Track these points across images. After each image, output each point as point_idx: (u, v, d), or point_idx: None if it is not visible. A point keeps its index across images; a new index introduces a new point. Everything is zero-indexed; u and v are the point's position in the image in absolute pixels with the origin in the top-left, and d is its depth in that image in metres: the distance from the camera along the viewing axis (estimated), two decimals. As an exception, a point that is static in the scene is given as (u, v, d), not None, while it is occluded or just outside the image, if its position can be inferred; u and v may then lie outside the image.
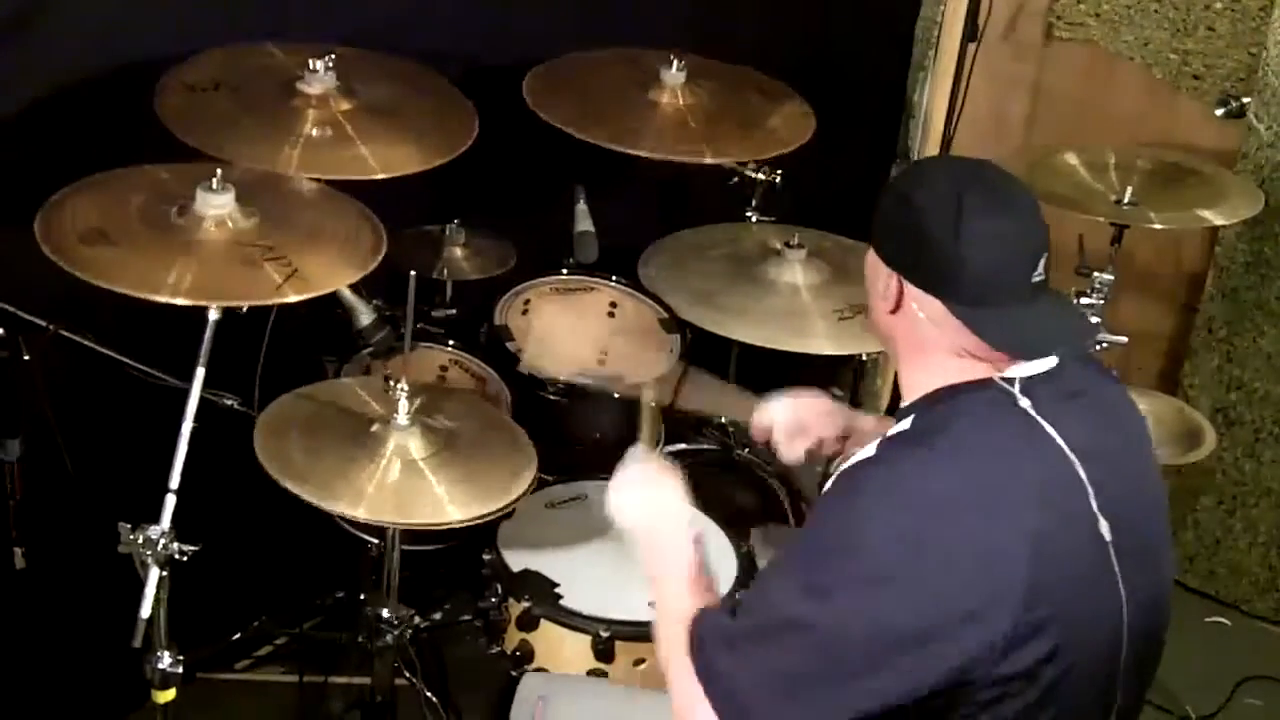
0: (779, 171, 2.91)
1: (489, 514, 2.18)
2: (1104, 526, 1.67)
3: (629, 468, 1.96)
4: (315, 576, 2.78)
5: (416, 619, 2.39)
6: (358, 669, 2.64)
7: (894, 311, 1.72)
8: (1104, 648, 1.69)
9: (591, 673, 2.30)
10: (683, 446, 2.93)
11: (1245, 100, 3.20)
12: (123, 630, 2.00)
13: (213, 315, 2.03)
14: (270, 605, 2.76)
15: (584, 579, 2.38)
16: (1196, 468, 3.04)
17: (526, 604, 2.32)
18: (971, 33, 3.18)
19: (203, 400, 2.05)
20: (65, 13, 2.28)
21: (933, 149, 3.44)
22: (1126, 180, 2.87)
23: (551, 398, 2.62)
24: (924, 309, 1.69)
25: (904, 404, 1.75)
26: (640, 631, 2.29)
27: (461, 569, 2.50)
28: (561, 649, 2.31)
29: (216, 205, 2.12)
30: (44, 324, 2.20)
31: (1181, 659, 2.13)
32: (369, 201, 2.28)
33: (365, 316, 2.42)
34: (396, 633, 2.37)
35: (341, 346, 2.58)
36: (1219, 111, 3.24)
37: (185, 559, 2.02)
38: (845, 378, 3.39)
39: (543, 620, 2.31)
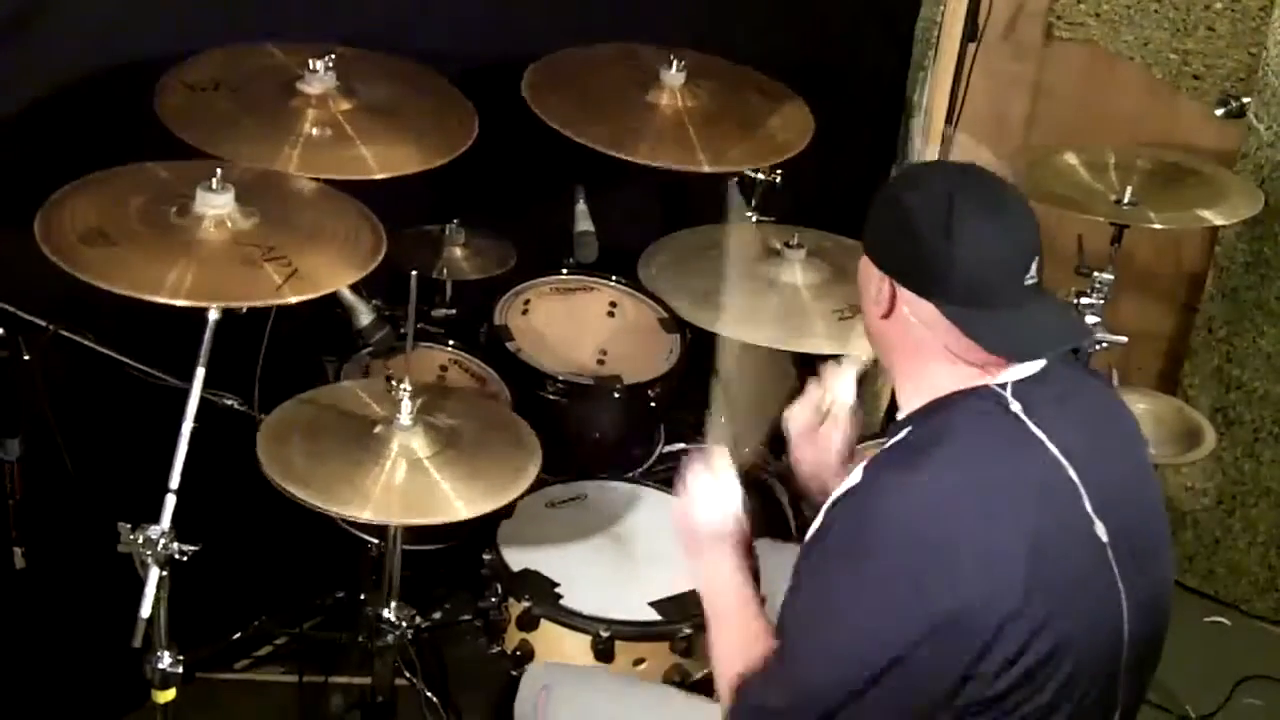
0: (779, 171, 2.91)
1: (498, 508, 2.19)
2: (1099, 528, 1.67)
3: (700, 482, 1.90)
4: (315, 576, 2.78)
5: (417, 619, 2.39)
6: (358, 669, 2.64)
7: (887, 316, 1.73)
8: (1105, 649, 1.70)
9: (591, 672, 2.31)
10: (682, 446, 2.93)
11: (1245, 100, 3.19)
12: (122, 630, 2.00)
13: (212, 315, 2.03)
14: (270, 605, 2.76)
15: (584, 579, 2.38)
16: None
17: (526, 604, 2.32)
18: (971, 32, 3.17)
19: (203, 400, 2.05)
20: (65, 13, 2.28)
21: (933, 149, 3.44)
22: (1126, 180, 2.87)
23: (551, 397, 2.62)
24: (916, 313, 1.69)
25: (900, 416, 1.75)
26: (640, 631, 2.30)
27: (461, 569, 2.50)
28: (561, 648, 2.31)
29: (216, 205, 2.12)
30: (44, 324, 2.20)
31: (1181, 658, 2.13)
32: (369, 201, 2.29)
33: (365, 316, 2.43)
34: (397, 632, 2.37)
35: (341, 346, 2.58)
36: (1219, 111, 3.24)
37: (185, 559, 2.02)
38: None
39: (543, 620, 2.31)
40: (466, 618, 2.49)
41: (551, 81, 2.73)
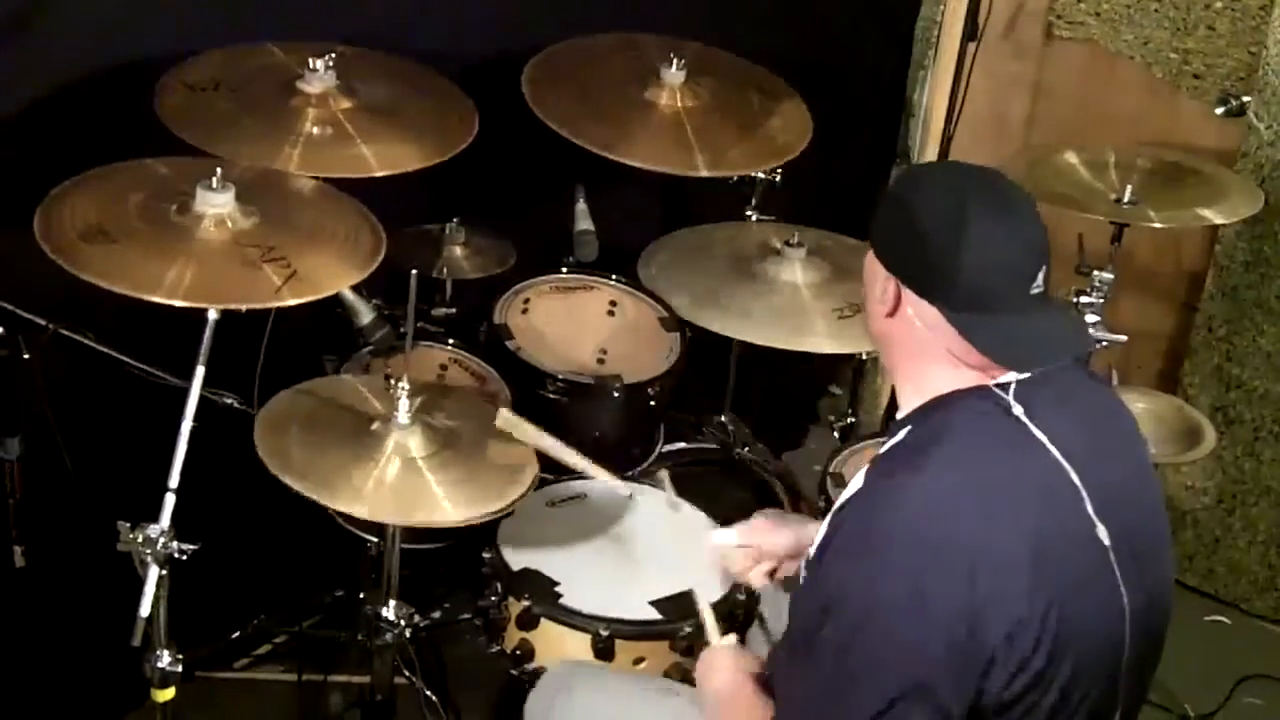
0: (779, 170, 2.91)
1: (489, 515, 2.18)
2: (1101, 531, 1.67)
3: (719, 655, 2.02)
4: (314, 575, 2.77)
5: (416, 617, 2.39)
6: (357, 668, 2.64)
7: (890, 315, 1.72)
8: (1106, 650, 1.70)
9: (591, 672, 2.30)
10: (682, 446, 2.93)
11: (1245, 99, 3.19)
12: (122, 629, 2.00)
13: (212, 315, 2.03)
14: (270, 604, 2.76)
15: (584, 578, 2.38)
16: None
17: (526, 603, 2.32)
18: (971, 32, 3.18)
19: (202, 399, 2.05)
20: (65, 13, 2.28)
21: (933, 148, 3.44)
22: (1126, 179, 2.87)
23: (551, 396, 2.62)
24: (920, 314, 1.69)
25: (899, 415, 1.75)
26: (640, 630, 2.29)
27: (461, 567, 2.50)
28: (561, 647, 2.31)
29: (216, 204, 2.12)
30: (44, 323, 2.20)
31: (1181, 658, 2.13)
32: (369, 200, 2.29)
33: (365, 315, 2.43)
34: (396, 631, 2.37)
35: (341, 345, 2.58)
36: (1219, 110, 3.24)
37: (184, 557, 2.02)
38: (845, 376, 3.40)
39: (542, 619, 2.31)
40: (466, 616, 2.48)
41: (551, 77, 2.73)
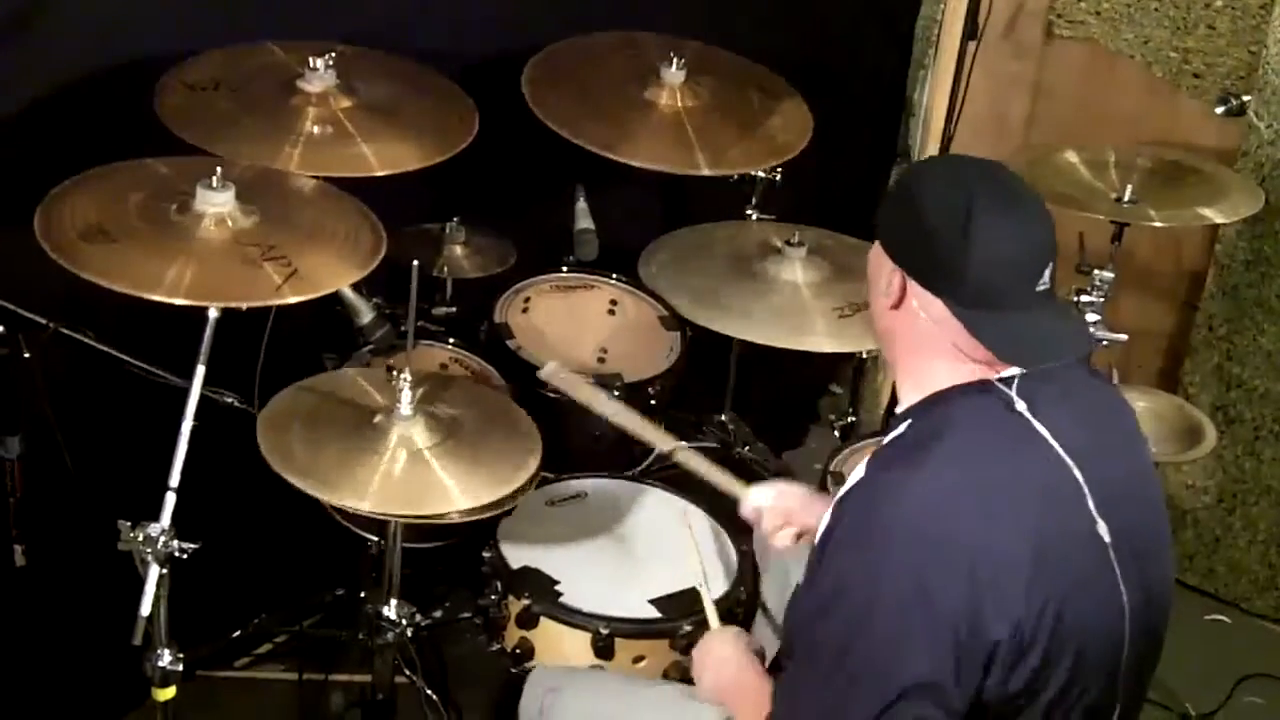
0: (779, 169, 2.91)
1: (498, 500, 2.17)
2: (1102, 528, 1.67)
3: (715, 645, 2.02)
4: (315, 574, 2.77)
5: (417, 616, 2.39)
6: (358, 667, 2.64)
7: (895, 308, 1.72)
8: (1105, 649, 1.70)
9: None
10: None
11: (1245, 98, 3.19)
12: (123, 628, 2.00)
13: (213, 313, 2.03)
14: (270, 603, 2.76)
15: (584, 576, 2.38)
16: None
17: (526, 601, 2.32)
18: (971, 31, 3.18)
19: (203, 398, 2.05)
20: (65, 13, 2.28)
21: (933, 148, 3.44)
22: (1127, 178, 2.87)
23: (552, 395, 2.62)
24: (925, 308, 1.68)
25: (900, 409, 1.75)
26: (640, 629, 2.30)
27: (461, 566, 2.50)
28: (561, 646, 2.31)
29: (216, 203, 2.12)
30: (44, 322, 2.20)
31: (1181, 657, 2.13)
32: (369, 199, 2.29)
33: (365, 314, 2.43)
34: (396, 630, 2.37)
35: (342, 343, 2.58)
36: (1219, 109, 3.24)
37: (185, 556, 2.02)
38: (845, 375, 3.40)
39: (542, 618, 2.31)
40: (466, 615, 2.49)
41: (551, 77, 2.73)
